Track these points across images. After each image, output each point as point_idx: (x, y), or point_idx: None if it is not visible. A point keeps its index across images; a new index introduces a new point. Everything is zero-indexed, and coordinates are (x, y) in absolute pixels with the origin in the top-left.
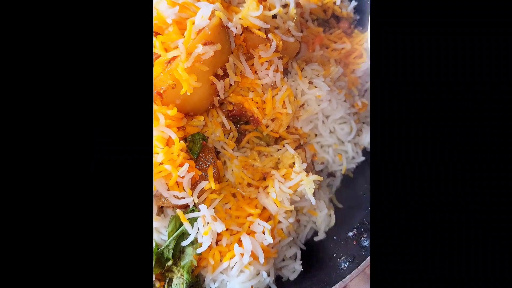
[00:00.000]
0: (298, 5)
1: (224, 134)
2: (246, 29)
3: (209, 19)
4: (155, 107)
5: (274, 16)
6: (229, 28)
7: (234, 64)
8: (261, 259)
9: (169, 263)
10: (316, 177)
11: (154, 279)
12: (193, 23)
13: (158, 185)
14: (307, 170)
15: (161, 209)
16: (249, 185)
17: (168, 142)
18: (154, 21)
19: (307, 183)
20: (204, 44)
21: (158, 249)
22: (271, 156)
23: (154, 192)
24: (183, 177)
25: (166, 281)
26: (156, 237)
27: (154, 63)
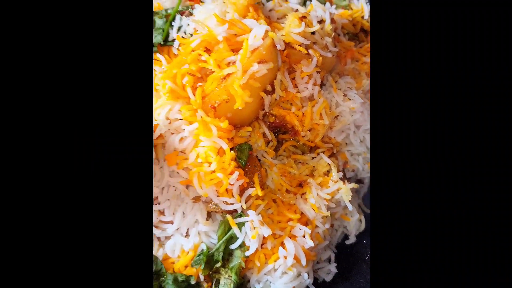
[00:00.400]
0: (332, 21)
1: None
2: (287, 45)
3: (263, 39)
4: (207, 119)
5: (312, 32)
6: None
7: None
8: (303, 261)
9: (218, 264)
10: (353, 185)
11: (202, 279)
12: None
13: (209, 191)
14: (341, 179)
15: (209, 214)
16: (287, 191)
17: (219, 152)
18: (205, 38)
19: (346, 191)
20: (259, 63)
21: (208, 251)
22: (307, 164)
23: (204, 198)
24: (232, 184)
25: (214, 282)
26: (206, 240)
27: (208, 78)
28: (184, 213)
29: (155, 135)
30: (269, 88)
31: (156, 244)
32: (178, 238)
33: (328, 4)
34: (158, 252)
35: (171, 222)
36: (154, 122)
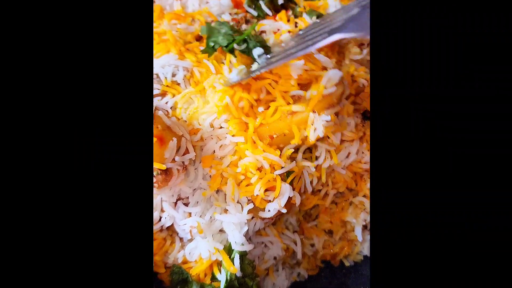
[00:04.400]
0: None
1: None
2: None
3: (336, 85)
4: (260, 146)
5: None
6: None
7: None
8: None
9: None
10: None
11: None
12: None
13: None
14: None
15: None
16: None
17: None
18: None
19: None
20: (327, 108)
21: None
22: None
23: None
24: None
25: None
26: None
27: (271, 104)
28: (211, 218)
29: (196, 137)
30: None
31: (178, 245)
32: (200, 242)
33: None
34: (178, 253)
35: None
36: (198, 126)
